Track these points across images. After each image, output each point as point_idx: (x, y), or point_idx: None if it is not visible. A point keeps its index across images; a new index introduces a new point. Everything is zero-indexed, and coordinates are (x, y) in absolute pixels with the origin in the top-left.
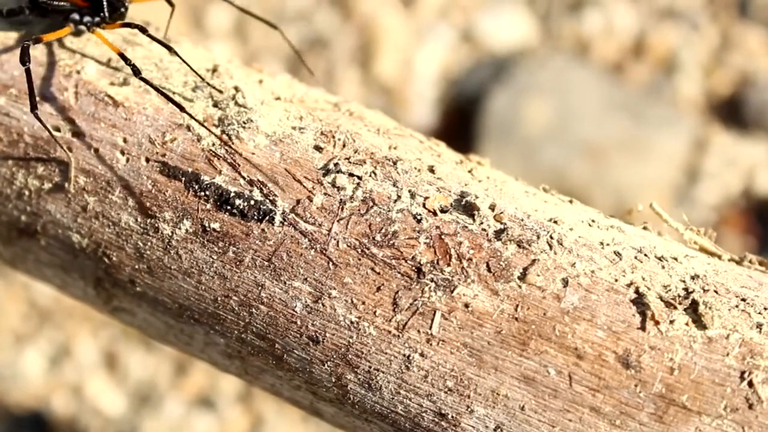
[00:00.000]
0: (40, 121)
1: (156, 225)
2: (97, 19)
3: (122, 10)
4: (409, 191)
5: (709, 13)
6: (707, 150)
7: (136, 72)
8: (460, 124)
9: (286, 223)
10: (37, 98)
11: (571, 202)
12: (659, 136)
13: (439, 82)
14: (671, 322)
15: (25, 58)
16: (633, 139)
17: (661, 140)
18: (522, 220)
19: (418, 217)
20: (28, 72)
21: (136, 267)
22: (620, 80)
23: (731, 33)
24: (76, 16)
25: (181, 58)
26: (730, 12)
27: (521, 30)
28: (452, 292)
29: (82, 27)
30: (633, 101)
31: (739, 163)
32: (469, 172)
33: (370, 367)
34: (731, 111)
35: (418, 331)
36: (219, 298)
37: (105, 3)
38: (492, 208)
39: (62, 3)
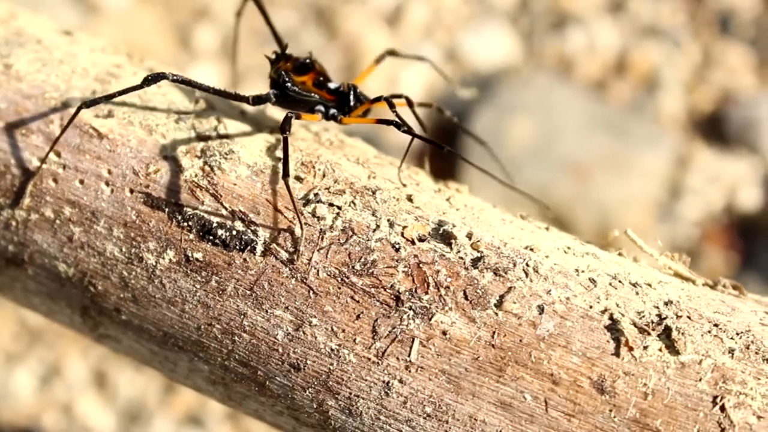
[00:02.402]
0: (289, 189)
1: (140, 255)
2: (340, 112)
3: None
4: (388, 220)
5: (690, 30)
6: (690, 166)
7: (398, 125)
8: (444, 142)
9: (267, 253)
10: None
11: (547, 229)
12: (642, 153)
13: (425, 100)
14: (645, 348)
15: (286, 127)
16: (616, 157)
17: (643, 157)
18: (499, 248)
19: (397, 246)
20: (286, 140)
21: (121, 296)
22: (603, 98)
23: (713, 50)
24: (321, 108)
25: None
26: (712, 29)
27: (505, 49)
28: (430, 319)
29: (329, 119)
30: (616, 119)
31: (721, 180)
32: (447, 200)
33: (350, 393)
34: (713, 127)
35: (397, 358)
36: (202, 327)
37: (351, 99)
38: (469, 236)
39: (311, 95)
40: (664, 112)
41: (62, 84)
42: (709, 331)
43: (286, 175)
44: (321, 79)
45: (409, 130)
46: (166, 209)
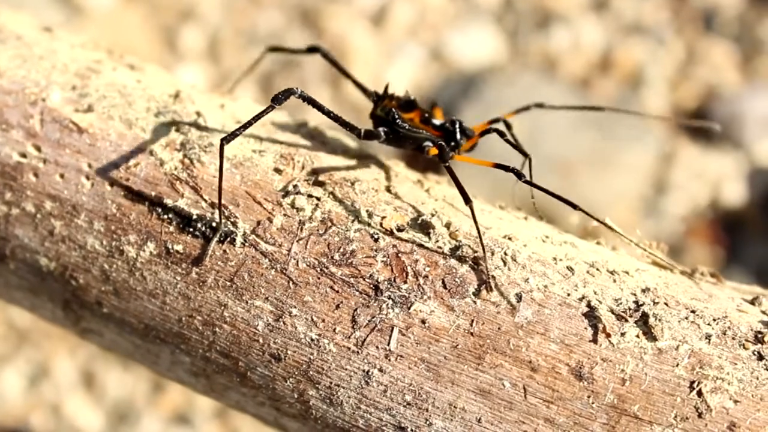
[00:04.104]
0: (474, 216)
1: (121, 248)
2: (449, 147)
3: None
4: (367, 211)
5: (674, 27)
6: (674, 162)
7: (518, 175)
8: None
9: (247, 244)
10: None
11: (525, 218)
12: (627, 150)
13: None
14: (622, 334)
15: (446, 157)
16: (601, 154)
17: (628, 154)
18: (476, 237)
19: (376, 236)
20: (450, 169)
21: (103, 289)
22: (588, 95)
23: (696, 47)
24: (430, 144)
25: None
26: (696, 26)
27: (490, 47)
28: (409, 308)
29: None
30: (601, 116)
31: (705, 175)
32: (426, 191)
33: (330, 382)
34: None
35: (377, 347)
36: (183, 318)
37: (458, 134)
38: (447, 226)
39: (420, 132)
40: (648, 108)
41: (42, 79)
42: (686, 318)
43: (468, 201)
44: (426, 115)
45: (529, 182)
46: (146, 202)
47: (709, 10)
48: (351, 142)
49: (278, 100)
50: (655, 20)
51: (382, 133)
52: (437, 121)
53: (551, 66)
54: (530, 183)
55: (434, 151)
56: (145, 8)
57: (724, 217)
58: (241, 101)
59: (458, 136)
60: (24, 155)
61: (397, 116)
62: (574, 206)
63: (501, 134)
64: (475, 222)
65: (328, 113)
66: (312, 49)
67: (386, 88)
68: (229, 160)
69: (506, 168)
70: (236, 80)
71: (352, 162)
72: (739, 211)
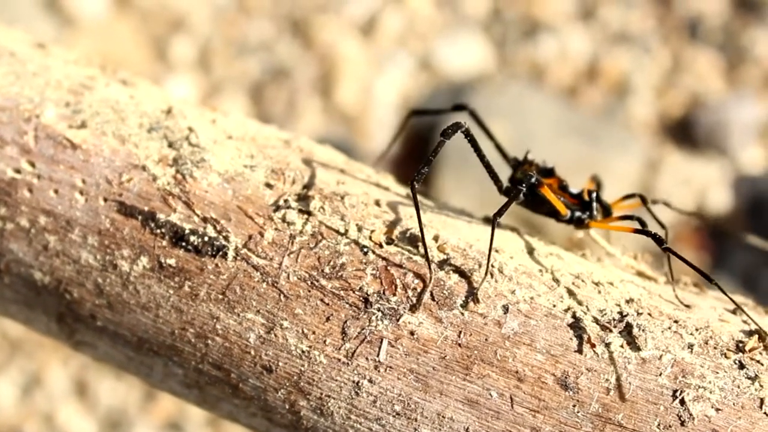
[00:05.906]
0: (493, 231)
1: (114, 262)
2: (585, 215)
3: (611, 211)
4: (356, 225)
5: (660, 36)
6: (660, 170)
7: (659, 241)
8: (419, 150)
9: (238, 258)
10: None
11: (512, 230)
12: (613, 158)
13: (399, 109)
14: (607, 344)
15: (520, 186)
16: (588, 161)
17: (615, 161)
18: (464, 249)
19: (365, 250)
20: (511, 194)
21: (97, 302)
22: (575, 104)
23: (682, 55)
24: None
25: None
26: (681, 35)
27: (478, 57)
28: (398, 320)
29: (571, 221)
30: (587, 124)
31: (691, 182)
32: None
33: (321, 393)
34: (683, 132)
35: (367, 359)
36: (176, 331)
37: (594, 205)
38: (436, 239)
39: (558, 198)
40: (634, 117)
41: (36, 96)
42: (669, 327)
43: (497, 216)
44: (564, 183)
45: (668, 248)
46: (140, 217)
47: (695, 19)
48: (340, 155)
49: (447, 134)
50: (640, 29)
51: (521, 195)
52: (574, 190)
53: (539, 75)
54: (671, 251)
55: (563, 210)
56: (135, 19)
57: (710, 224)
58: (232, 116)
59: (593, 208)
60: (18, 171)
61: (538, 182)
62: (711, 279)
63: (643, 204)
64: (491, 240)
65: (482, 158)
66: (458, 107)
67: (526, 154)
68: (221, 175)
69: (647, 233)
70: (386, 149)
71: (343, 176)
72: (724, 218)
